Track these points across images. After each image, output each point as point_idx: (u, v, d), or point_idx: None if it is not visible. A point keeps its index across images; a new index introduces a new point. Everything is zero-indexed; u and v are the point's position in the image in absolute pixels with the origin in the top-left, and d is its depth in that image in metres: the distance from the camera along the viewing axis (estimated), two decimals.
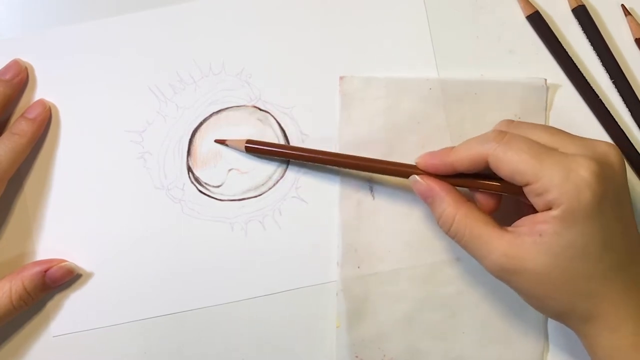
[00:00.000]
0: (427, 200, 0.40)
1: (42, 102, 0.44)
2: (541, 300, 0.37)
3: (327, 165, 0.43)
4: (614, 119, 0.45)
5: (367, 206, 0.44)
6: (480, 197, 0.40)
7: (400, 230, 0.44)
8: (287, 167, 0.44)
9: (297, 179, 0.44)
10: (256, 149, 0.43)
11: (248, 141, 0.43)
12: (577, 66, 0.45)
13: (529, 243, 0.35)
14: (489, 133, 0.38)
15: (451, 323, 0.43)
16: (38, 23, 0.46)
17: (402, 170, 0.41)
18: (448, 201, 0.38)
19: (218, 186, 0.44)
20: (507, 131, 0.38)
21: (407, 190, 0.44)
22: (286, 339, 0.43)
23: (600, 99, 0.45)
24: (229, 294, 0.43)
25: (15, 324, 0.43)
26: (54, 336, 0.43)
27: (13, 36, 0.45)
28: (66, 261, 0.43)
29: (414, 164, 0.40)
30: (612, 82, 0.45)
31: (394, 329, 0.43)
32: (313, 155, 0.42)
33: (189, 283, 0.43)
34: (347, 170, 0.44)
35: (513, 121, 0.40)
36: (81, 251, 0.43)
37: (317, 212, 0.44)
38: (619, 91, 0.45)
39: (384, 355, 0.43)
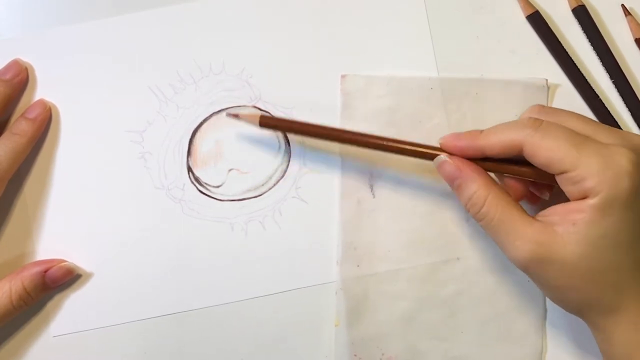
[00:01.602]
0: (454, 182, 0.38)
1: (42, 102, 0.44)
2: (564, 292, 0.36)
3: (345, 144, 0.41)
4: (614, 119, 0.45)
5: (367, 205, 0.44)
6: (509, 182, 0.39)
7: (400, 229, 0.44)
8: (287, 167, 0.44)
9: (298, 179, 0.44)
10: (270, 124, 0.42)
11: (262, 116, 0.41)
12: (577, 66, 0.45)
13: (561, 232, 0.35)
14: (524, 120, 0.37)
15: (450, 323, 0.43)
16: (38, 23, 0.46)
17: (425, 152, 0.39)
18: (480, 182, 0.37)
19: (218, 186, 0.44)
20: (541, 119, 0.37)
21: (408, 189, 0.44)
22: (286, 339, 0.43)
23: (600, 99, 0.45)
24: (229, 294, 0.43)
25: (15, 324, 0.43)
26: (54, 336, 0.43)
27: (13, 36, 0.45)
28: (66, 261, 0.43)
29: (438, 145, 0.39)
30: (612, 82, 0.45)
31: (393, 328, 0.43)
32: (331, 132, 0.40)
33: (189, 283, 0.43)
34: (347, 168, 0.44)
35: (544, 107, 0.39)
36: (81, 251, 0.43)
37: (317, 212, 0.44)
38: (619, 91, 0.45)
39: (383, 354, 0.43)
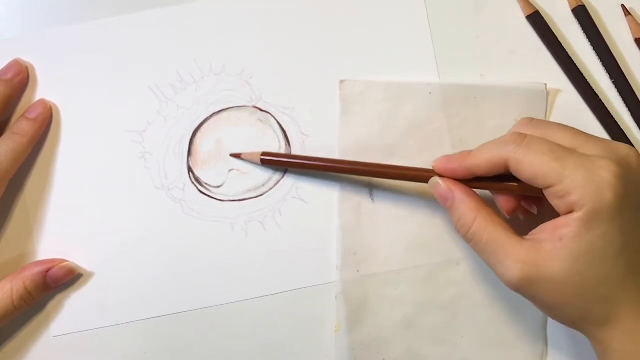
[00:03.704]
0: (446, 203, 0.39)
1: (43, 102, 0.44)
2: (558, 308, 0.36)
3: (344, 174, 0.43)
4: (614, 119, 0.45)
5: (366, 209, 0.44)
6: (500, 198, 0.40)
7: (400, 233, 0.44)
8: (287, 168, 0.44)
9: (298, 179, 0.44)
10: (272, 161, 0.43)
11: (263, 154, 0.43)
12: (577, 66, 0.45)
13: (548, 249, 0.35)
14: (508, 135, 0.38)
15: (451, 327, 0.43)
16: (38, 23, 0.45)
17: (420, 175, 0.40)
18: (468, 204, 0.38)
19: (218, 186, 0.44)
20: (526, 133, 0.37)
21: (407, 193, 0.44)
22: (286, 339, 0.43)
23: (600, 99, 0.45)
24: (229, 295, 0.43)
25: (16, 324, 0.43)
26: (54, 336, 0.43)
27: (13, 36, 0.45)
28: (67, 261, 0.43)
29: (431, 168, 0.40)
30: (612, 82, 0.45)
31: (393, 333, 0.43)
32: (330, 165, 0.42)
33: (189, 283, 0.43)
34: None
35: (533, 119, 0.39)
36: (82, 251, 0.44)
37: (317, 212, 0.44)
38: (619, 91, 0.45)
39: (383, 359, 0.43)
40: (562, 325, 0.42)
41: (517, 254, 0.35)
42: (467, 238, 0.38)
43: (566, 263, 0.34)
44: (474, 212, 0.37)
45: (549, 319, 0.43)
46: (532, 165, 0.35)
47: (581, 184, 0.34)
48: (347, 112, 0.44)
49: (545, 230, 0.36)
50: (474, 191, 0.39)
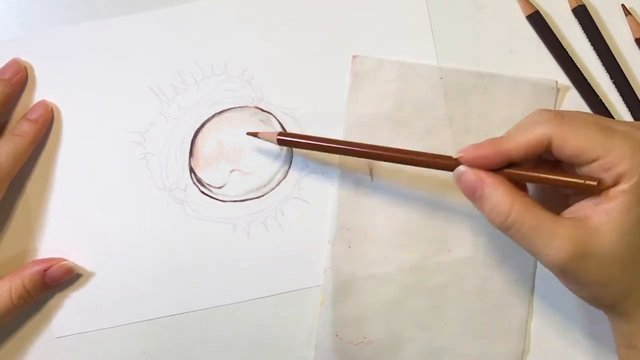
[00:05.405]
0: (475, 194, 0.37)
1: (44, 103, 0.44)
2: (603, 286, 0.35)
3: (360, 158, 0.41)
4: (614, 118, 0.45)
5: (364, 187, 0.44)
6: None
7: (395, 215, 0.44)
8: (289, 168, 0.44)
9: (299, 179, 0.44)
10: (288, 142, 0.42)
11: (280, 134, 0.41)
12: (577, 66, 0.45)
13: (595, 224, 0.34)
14: (543, 113, 0.36)
15: (435, 313, 0.43)
16: (38, 23, 0.45)
17: (445, 164, 0.38)
18: (503, 191, 0.36)
19: (220, 187, 0.44)
20: (561, 111, 0.36)
21: (407, 176, 0.44)
22: (289, 340, 0.43)
23: (600, 99, 0.45)
24: (232, 295, 0.43)
25: (16, 324, 0.43)
26: (55, 337, 0.43)
27: (13, 36, 0.45)
28: (66, 260, 0.43)
29: (455, 157, 0.38)
30: (612, 82, 0.45)
31: (377, 313, 0.43)
32: (348, 147, 0.40)
33: (191, 284, 0.43)
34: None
35: (551, 110, 0.38)
36: (83, 252, 0.43)
37: (319, 212, 0.44)
38: (619, 91, 0.45)
39: (364, 337, 0.43)
40: (546, 321, 0.43)
41: (564, 233, 0.34)
42: (505, 226, 0.36)
43: (616, 236, 0.34)
44: (510, 198, 0.35)
45: (534, 317, 0.43)
46: (577, 139, 0.34)
47: (629, 155, 0.33)
48: (356, 89, 0.44)
49: (585, 208, 0.35)
50: (504, 177, 0.37)
